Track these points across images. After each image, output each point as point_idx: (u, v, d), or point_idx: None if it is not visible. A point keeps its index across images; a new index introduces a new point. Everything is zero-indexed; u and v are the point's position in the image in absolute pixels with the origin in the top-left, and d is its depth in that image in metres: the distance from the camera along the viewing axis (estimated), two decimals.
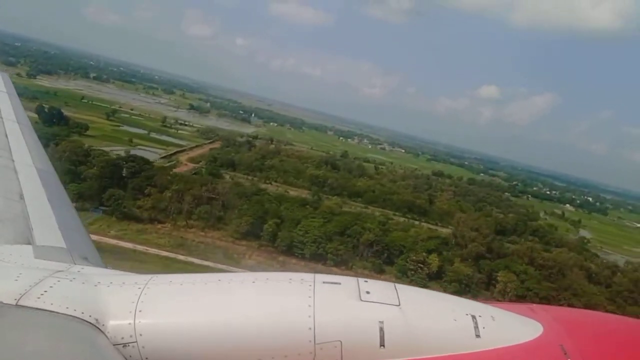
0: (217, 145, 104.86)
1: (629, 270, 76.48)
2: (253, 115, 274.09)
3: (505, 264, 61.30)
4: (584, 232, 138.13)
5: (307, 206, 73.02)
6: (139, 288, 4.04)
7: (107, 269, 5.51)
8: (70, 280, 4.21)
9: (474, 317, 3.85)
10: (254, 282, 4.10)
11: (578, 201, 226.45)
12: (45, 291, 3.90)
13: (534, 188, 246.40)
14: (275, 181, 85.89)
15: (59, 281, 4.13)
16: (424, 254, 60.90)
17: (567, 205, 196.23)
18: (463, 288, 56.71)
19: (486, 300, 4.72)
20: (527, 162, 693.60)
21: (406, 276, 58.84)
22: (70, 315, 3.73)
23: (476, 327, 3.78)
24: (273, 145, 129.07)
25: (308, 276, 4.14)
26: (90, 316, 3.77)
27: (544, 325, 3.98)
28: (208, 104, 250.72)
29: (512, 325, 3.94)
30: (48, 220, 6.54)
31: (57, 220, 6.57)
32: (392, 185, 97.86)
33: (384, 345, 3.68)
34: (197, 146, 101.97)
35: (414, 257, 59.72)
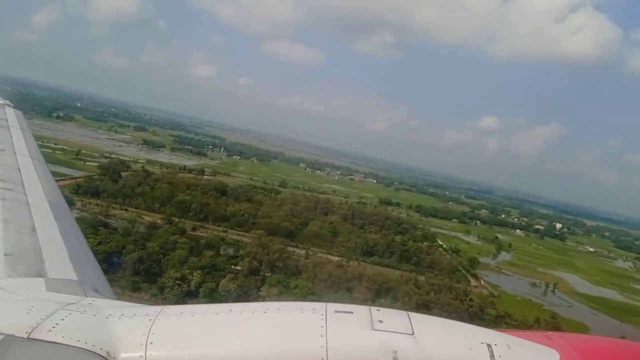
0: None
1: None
2: (222, 149, 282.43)
3: (278, 279, 64.04)
4: (505, 256, 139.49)
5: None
6: (150, 320, 4.08)
7: (119, 300, 5.67)
8: (82, 313, 4.26)
9: (489, 345, 3.84)
10: (265, 312, 4.13)
11: (541, 227, 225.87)
12: (57, 324, 3.94)
13: (502, 215, 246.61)
14: (137, 207, 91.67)
15: (70, 314, 4.18)
16: (188, 270, 63.57)
17: (518, 230, 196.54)
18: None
19: (502, 328, 4.82)
20: (531, 191, 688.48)
21: (162, 293, 60.33)
22: (82, 348, 3.75)
23: (492, 355, 3.76)
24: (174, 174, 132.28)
25: (320, 305, 4.15)
26: (101, 349, 3.79)
27: (560, 352, 3.98)
28: (172, 139, 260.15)
29: (529, 353, 3.95)
30: (60, 253, 6.62)
31: (68, 252, 6.66)
32: (271, 210, 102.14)
33: None
34: (85, 176, 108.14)
35: (173, 274, 61.58)
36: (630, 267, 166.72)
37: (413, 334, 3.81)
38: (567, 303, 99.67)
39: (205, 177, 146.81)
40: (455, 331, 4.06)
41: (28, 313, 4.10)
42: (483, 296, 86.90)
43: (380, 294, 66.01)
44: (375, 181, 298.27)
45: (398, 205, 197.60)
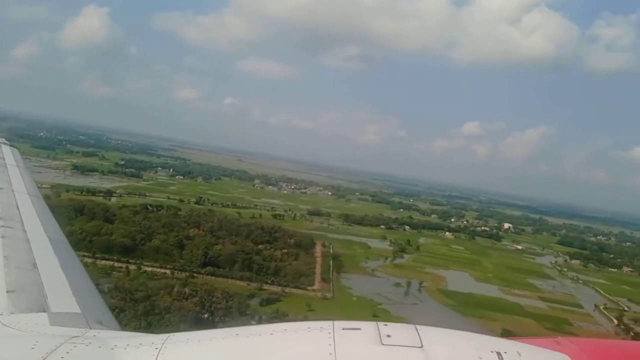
0: None
1: None
2: (171, 169, 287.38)
3: None
4: (402, 259, 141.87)
5: None
6: (157, 348, 4.12)
7: (123, 331, 5.82)
8: (87, 345, 4.33)
9: (499, 353, 3.88)
10: (272, 334, 4.20)
11: (487, 228, 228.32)
12: (62, 357, 3.98)
13: (452, 219, 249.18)
14: None
15: (75, 346, 4.24)
16: None
17: (448, 233, 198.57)
18: None
19: (511, 336, 4.92)
20: (521, 193, 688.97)
21: None
22: None
23: None
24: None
25: (326, 324, 4.22)
26: None
27: (571, 357, 4.05)
28: (113, 163, 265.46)
29: (539, 359, 4.01)
30: (62, 286, 6.69)
31: (70, 286, 6.72)
32: (120, 227, 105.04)
33: None
34: None
35: None
36: (551, 262, 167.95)
37: (422, 346, 3.86)
38: (418, 301, 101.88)
39: (99, 197, 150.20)
40: (465, 341, 4.13)
41: (33, 348, 4.14)
42: (309, 297, 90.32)
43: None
44: (330, 193, 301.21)
45: (328, 215, 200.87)
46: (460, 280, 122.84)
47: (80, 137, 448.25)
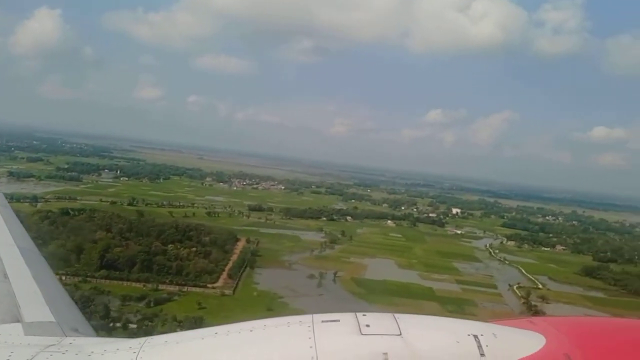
0: None
1: None
2: (118, 171, 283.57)
3: None
4: (332, 250, 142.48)
5: None
6: (134, 352, 4.11)
7: (100, 337, 5.77)
8: (63, 353, 4.27)
9: (476, 336, 4.03)
10: (251, 331, 4.23)
11: (434, 215, 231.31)
12: None
13: (403, 207, 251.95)
14: None
15: (51, 355, 4.20)
16: None
17: (389, 221, 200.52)
18: None
19: (486, 319, 4.97)
20: (491, 178, 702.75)
21: None
22: None
23: (479, 346, 3.96)
24: None
25: (306, 317, 4.28)
26: None
27: (546, 336, 4.18)
28: (56, 167, 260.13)
29: (515, 340, 4.15)
30: (35, 296, 6.68)
31: (43, 295, 6.71)
32: None
33: None
34: None
35: None
36: (485, 245, 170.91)
37: (401, 334, 3.98)
38: (325, 292, 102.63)
39: (24, 204, 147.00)
40: (442, 327, 4.29)
41: (8, 359, 4.10)
42: (207, 295, 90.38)
43: None
44: (283, 187, 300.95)
45: (271, 210, 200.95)
46: (382, 268, 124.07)
47: (34, 142, 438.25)
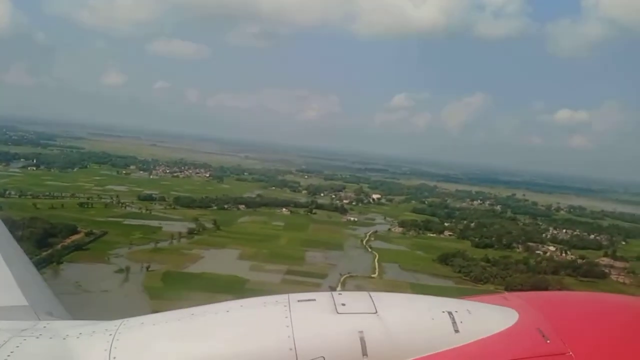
0: None
1: None
2: (34, 160, 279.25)
3: None
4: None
5: None
6: (110, 334, 4.15)
7: (75, 320, 5.64)
8: (37, 338, 4.31)
9: (450, 313, 4.17)
10: (228, 311, 4.31)
11: (345, 201, 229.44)
12: (12, 352, 3.96)
13: (322, 194, 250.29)
14: None
15: (25, 340, 4.22)
16: None
17: (284, 209, 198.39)
18: None
19: (461, 296, 5.13)
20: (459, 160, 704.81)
21: None
22: None
23: (454, 322, 4.09)
24: None
25: (282, 297, 4.39)
26: None
27: (519, 311, 4.35)
28: None
29: (488, 315, 4.31)
30: (5, 279, 6.61)
31: (15, 278, 6.66)
32: None
33: (366, 354, 3.88)
34: None
35: None
36: (367, 232, 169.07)
37: (376, 312, 4.05)
38: (116, 287, 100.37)
39: None
40: (417, 304, 4.35)
41: None
42: None
43: None
44: (208, 175, 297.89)
45: (162, 199, 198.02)
46: (216, 261, 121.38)
47: None
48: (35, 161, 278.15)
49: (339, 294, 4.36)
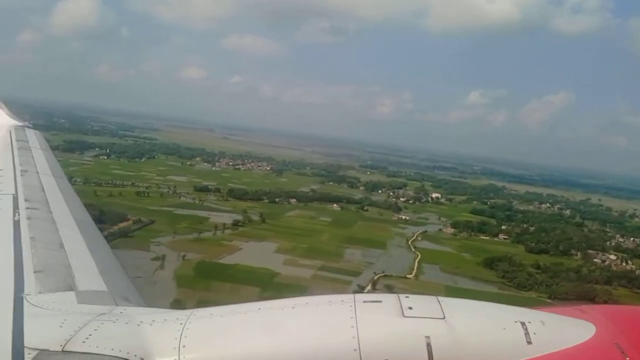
0: None
1: None
2: (107, 150, 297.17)
3: None
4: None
5: None
6: (181, 324, 4.37)
7: (149, 307, 6.08)
8: (114, 322, 4.60)
9: (523, 323, 3.99)
10: (294, 307, 4.40)
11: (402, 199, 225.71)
12: (90, 335, 4.22)
13: (379, 191, 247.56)
14: None
15: (102, 323, 4.51)
16: None
17: (335, 205, 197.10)
18: None
19: (535, 306, 4.99)
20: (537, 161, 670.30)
21: None
22: (116, 357, 4.00)
23: (527, 333, 3.93)
24: None
25: (348, 297, 4.40)
26: (135, 355, 4.04)
27: (596, 325, 4.14)
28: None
29: (564, 328, 4.13)
30: (88, 266, 7.06)
31: (97, 265, 7.11)
32: None
33: None
34: None
35: None
36: (414, 232, 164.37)
37: (444, 317, 4.00)
38: (150, 275, 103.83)
39: None
40: (487, 312, 4.32)
41: (61, 326, 4.40)
42: None
43: None
44: (269, 168, 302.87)
45: (217, 191, 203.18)
46: (252, 253, 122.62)
47: (61, 120, 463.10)
48: (107, 150, 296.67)
49: (406, 297, 4.25)
